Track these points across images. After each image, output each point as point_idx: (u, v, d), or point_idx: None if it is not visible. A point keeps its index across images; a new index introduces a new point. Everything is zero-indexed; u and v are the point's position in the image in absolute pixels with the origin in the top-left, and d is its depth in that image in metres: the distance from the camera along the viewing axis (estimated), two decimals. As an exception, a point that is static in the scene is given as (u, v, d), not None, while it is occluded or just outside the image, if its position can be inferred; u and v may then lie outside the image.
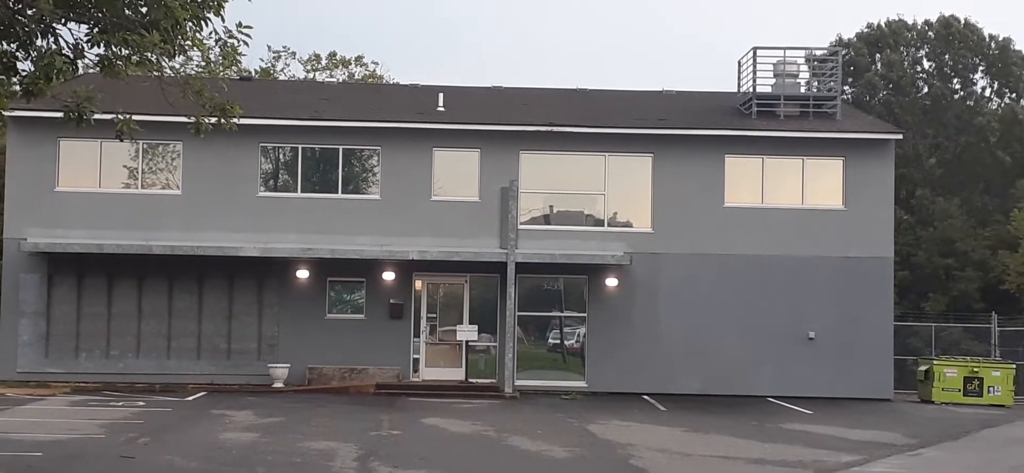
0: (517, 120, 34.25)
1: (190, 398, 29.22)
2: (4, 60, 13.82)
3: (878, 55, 54.17)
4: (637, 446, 21.77)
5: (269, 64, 56.10)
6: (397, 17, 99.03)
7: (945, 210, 48.64)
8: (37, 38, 13.49)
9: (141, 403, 27.61)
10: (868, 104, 50.80)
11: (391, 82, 54.01)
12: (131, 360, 32.89)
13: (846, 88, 50.83)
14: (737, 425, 26.05)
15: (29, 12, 13.26)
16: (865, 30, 55.48)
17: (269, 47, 57.06)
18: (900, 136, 36.30)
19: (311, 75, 55.88)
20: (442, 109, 34.68)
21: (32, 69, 13.44)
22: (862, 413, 29.63)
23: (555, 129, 33.63)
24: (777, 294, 33.66)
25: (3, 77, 14.37)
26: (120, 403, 27.51)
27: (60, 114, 14.53)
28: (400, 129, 33.54)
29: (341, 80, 54.57)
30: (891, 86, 52.94)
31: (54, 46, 13.37)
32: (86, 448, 19.64)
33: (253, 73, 49.92)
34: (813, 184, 34.19)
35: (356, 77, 56.45)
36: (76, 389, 30.86)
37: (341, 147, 33.61)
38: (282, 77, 54.26)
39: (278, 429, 23.08)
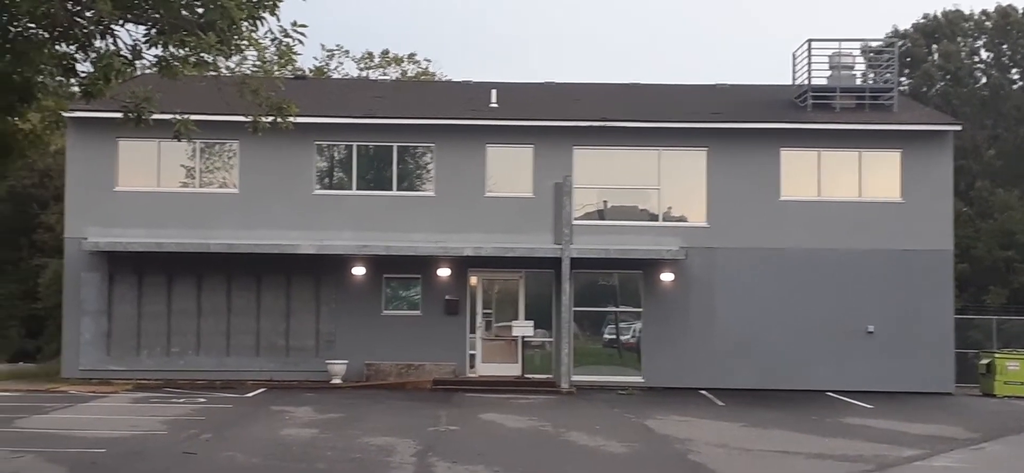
0: (570, 116, 34.21)
1: (250, 395, 29.47)
2: (64, 62, 14.00)
3: (935, 46, 53.51)
4: (695, 441, 21.67)
5: (323, 63, 56.46)
6: (449, 14, 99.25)
7: (1005, 202, 47.92)
8: (96, 39, 13.65)
9: (202, 400, 27.89)
10: (925, 96, 50.20)
11: (443, 79, 54.15)
12: (191, 357, 33.24)
13: (903, 80, 50.26)
14: (796, 420, 25.85)
15: (88, 14, 13.41)
16: (921, 21, 54.80)
17: (322, 46, 57.45)
18: (958, 127, 35.84)
19: (364, 73, 56.16)
20: (495, 105, 34.74)
21: (91, 70, 13.59)
22: (923, 407, 29.31)
23: (608, 124, 33.56)
24: (835, 288, 33.37)
25: (62, 79, 14.57)
26: (181, 400, 27.80)
27: (119, 114, 14.69)
28: (453, 126, 33.61)
29: (394, 78, 54.77)
30: (949, 77, 52.27)
31: (112, 47, 13.51)
32: (148, 445, 19.87)
33: (307, 72, 50.24)
34: (870, 177, 33.85)
35: (409, 74, 56.65)
36: (138, 386, 31.24)
37: (395, 145, 33.75)
38: (335, 76, 54.55)
39: (337, 425, 23.22)
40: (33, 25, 13.39)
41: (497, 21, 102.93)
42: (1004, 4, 53.49)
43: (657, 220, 33.89)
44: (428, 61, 58.96)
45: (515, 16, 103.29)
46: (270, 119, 14.98)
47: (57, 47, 13.70)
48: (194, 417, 24.25)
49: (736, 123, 34.01)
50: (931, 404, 30.30)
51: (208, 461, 18.24)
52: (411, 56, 58.02)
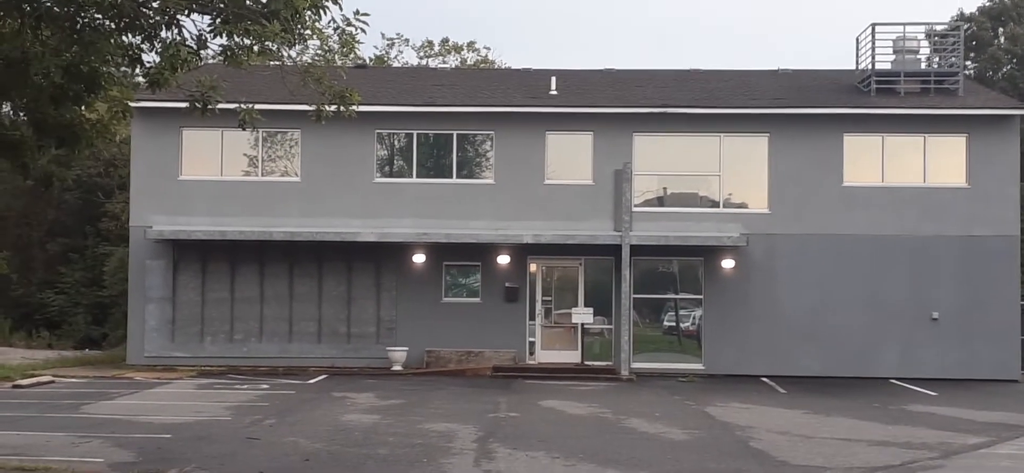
0: (630, 102, 34.11)
1: (312, 381, 29.73)
2: (130, 52, 14.18)
3: (1001, 29, 52.73)
4: (757, 428, 21.57)
5: (383, 51, 56.77)
6: (509, 2, 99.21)
7: (1073, 186, 47.09)
8: (162, 30, 13.80)
9: (265, 386, 28.20)
10: (991, 79, 49.49)
11: (503, 67, 54.19)
12: (254, 344, 33.59)
13: (968, 63, 49.62)
14: (859, 407, 25.63)
15: (154, 4, 13.57)
16: (987, 3, 54.03)
17: (383, 35, 57.87)
18: (1026, 111, 35.27)
19: (424, 62, 56.37)
20: (554, 93, 34.72)
21: (157, 60, 13.75)
22: (988, 394, 28.96)
23: (669, 110, 33.41)
24: (899, 274, 33.03)
25: (128, 69, 14.75)
26: (244, 386, 28.12)
27: (183, 104, 14.86)
28: (513, 113, 33.64)
29: (454, 66, 54.90)
30: (1015, 60, 51.46)
31: (178, 37, 13.67)
32: (213, 430, 20.12)
33: (368, 61, 50.50)
34: (935, 162, 33.45)
35: (468, 62, 56.77)
36: (201, 372, 31.63)
37: (455, 132, 33.84)
38: (396, 64, 54.79)
39: (398, 411, 23.37)
40: (100, 16, 13.57)
41: (556, 8, 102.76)
42: (1072, -15, 52.58)
43: (718, 207, 33.72)
44: (487, 49, 59.18)
45: (574, 3, 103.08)
46: (333, 107, 15.07)
47: (123, 38, 13.87)
48: (257, 403, 24.51)
49: (798, 108, 33.72)
50: (996, 391, 29.93)
51: (272, 446, 18.44)
52: (470, 44, 58.20)
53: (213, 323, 33.69)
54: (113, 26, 13.70)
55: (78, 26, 13.57)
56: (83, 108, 14.79)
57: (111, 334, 42.89)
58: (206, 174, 33.76)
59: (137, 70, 14.52)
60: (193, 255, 33.67)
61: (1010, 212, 33.25)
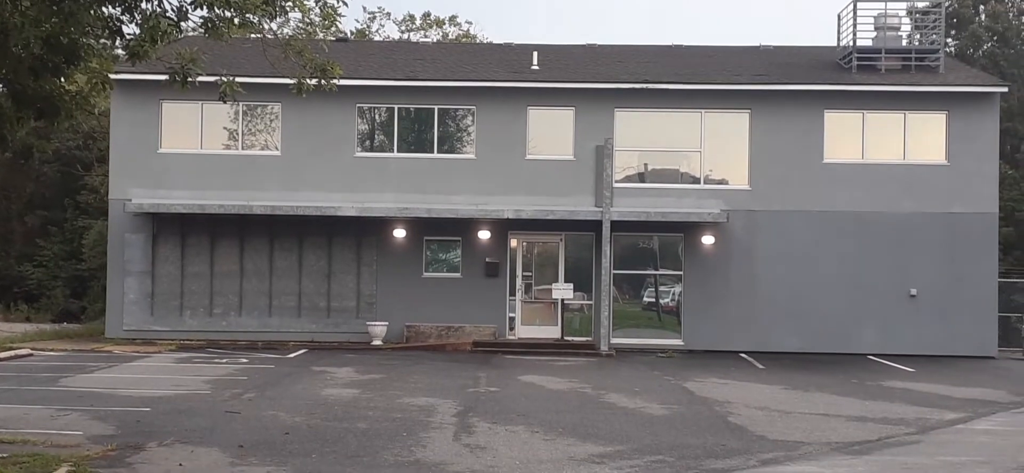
0: (611, 78, 34.10)
1: (291, 355, 29.72)
2: (110, 24, 14.10)
3: (982, 6, 52.83)
4: (735, 404, 21.67)
5: (364, 25, 56.57)
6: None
7: (1052, 165, 47.44)
8: (142, 1, 13.73)
9: (244, 360, 28.16)
10: (972, 57, 49.64)
11: (485, 41, 54.07)
12: (234, 318, 33.54)
13: (949, 41, 49.76)
14: (837, 383, 25.78)
15: (134, -25, 13.51)
16: (968, -19, 54.07)
17: (364, 8, 57.59)
18: (1006, 89, 35.43)
19: (405, 36, 56.21)
20: (536, 68, 34.68)
21: (137, 32, 13.68)
22: (965, 371, 29.15)
23: (650, 86, 33.42)
24: (878, 251, 33.19)
25: (107, 41, 14.67)
26: (224, 360, 28.08)
27: (162, 77, 14.82)
28: (495, 88, 33.58)
29: (435, 40, 54.77)
30: (996, 38, 51.64)
31: (158, 9, 13.60)
32: (192, 403, 20.09)
33: (349, 35, 50.32)
34: (915, 139, 33.57)
35: (450, 37, 56.63)
36: (181, 346, 31.56)
37: (436, 107, 33.77)
38: (377, 38, 54.61)
39: (378, 385, 23.39)
40: (80, -14, 13.48)
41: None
42: (1053, -36, 52.74)
43: (699, 183, 33.77)
44: (469, 23, 59.18)
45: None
46: (314, 81, 15.04)
47: (103, 9, 13.79)
48: (237, 377, 24.49)
49: (779, 85, 33.78)
50: (973, 367, 30.13)
51: (252, 419, 18.43)
52: (452, 18, 58.07)
53: (192, 297, 33.61)
54: (93, -3, 13.62)
55: (57, -3, 13.48)
56: (63, 80, 14.70)
57: (90, 308, 42.76)
58: (186, 147, 33.62)
59: (117, 42, 14.45)
60: (172, 229, 33.56)
61: (989, 189, 33.42)
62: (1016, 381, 27.37)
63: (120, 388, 22.18)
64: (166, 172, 33.28)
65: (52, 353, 29.28)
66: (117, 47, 14.95)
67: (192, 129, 33.61)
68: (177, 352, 30.13)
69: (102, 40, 14.54)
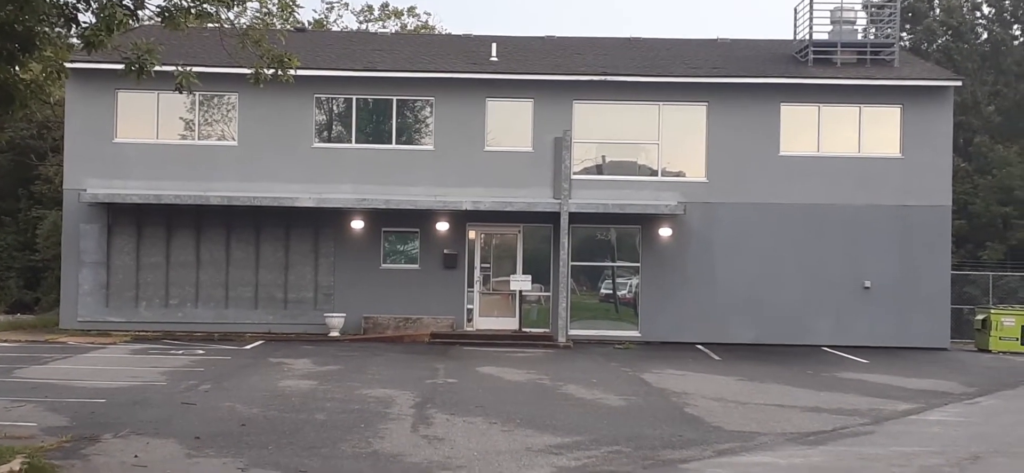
0: (570, 70, 34.17)
1: (248, 347, 29.59)
2: (65, 12, 13.96)
3: (937, 1, 53.30)
4: (692, 395, 21.80)
5: (322, 15, 56.31)
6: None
7: (1004, 158, 47.89)
8: (98, -11, 13.61)
9: (200, 351, 28.02)
10: (926, 51, 50.09)
11: (443, 32, 54.00)
12: (190, 309, 33.34)
13: (904, 35, 50.15)
14: (792, 374, 25.99)
15: (90, -37, 13.39)
16: (924, -25, 54.52)
17: (322, -1, 57.23)
18: (959, 83, 35.80)
19: (364, 26, 56.00)
20: (495, 59, 34.68)
21: (93, 20, 13.56)
22: (919, 362, 29.48)
23: (608, 78, 33.53)
24: (833, 243, 33.48)
25: (63, 29, 14.53)
26: (180, 351, 27.92)
27: (118, 66, 14.68)
28: (453, 80, 33.55)
29: (393, 31, 54.63)
30: (950, 32, 52.10)
31: (115, -3, 13.48)
32: (148, 395, 19.97)
33: (306, 24, 50.10)
34: (870, 132, 33.88)
35: (408, 28, 56.50)
36: (136, 338, 31.35)
37: (395, 98, 33.71)
38: (335, 28, 54.39)
39: (336, 377, 23.34)
40: (34, -27, 13.35)
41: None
42: (1006, -41, 53.24)
43: (656, 175, 33.92)
44: (428, 14, 59.03)
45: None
46: (272, 71, 14.97)
47: (59, -4, 13.67)
48: (193, 368, 24.37)
49: (736, 78, 33.98)
50: (926, 359, 30.47)
51: (208, 411, 18.35)
52: (411, 9, 57.92)
53: (148, 288, 33.38)
54: (48, -16, 13.49)
55: (12, -16, 13.33)
56: (17, 68, 14.54)
57: (44, 299, 42.32)
58: (141, 137, 33.39)
59: (73, 30, 14.31)
60: (128, 219, 33.31)
61: (942, 183, 33.79)
62: (968, 372, 27.71)
63: (75, 379, 22.01)
64: (122, 162, 33.01)
65: (5, 344, 28.97)
66: (72, 36, 14.81)
67: (148, 119, 33.37)
68: (132, 343, 29.92)
69: (57, 28, 14.40)
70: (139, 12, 13.52)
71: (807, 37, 35.27)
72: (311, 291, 33.57)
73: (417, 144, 33.94)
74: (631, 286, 34.33)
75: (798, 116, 33.90)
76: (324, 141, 33.86)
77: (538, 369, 25.73)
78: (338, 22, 56.26)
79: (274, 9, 14.53)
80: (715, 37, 38.99)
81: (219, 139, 33.86)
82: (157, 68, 14.36)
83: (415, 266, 33.75)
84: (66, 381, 21.75)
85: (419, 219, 33.35)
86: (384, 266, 33.75)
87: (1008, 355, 32.91)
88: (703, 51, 36.92)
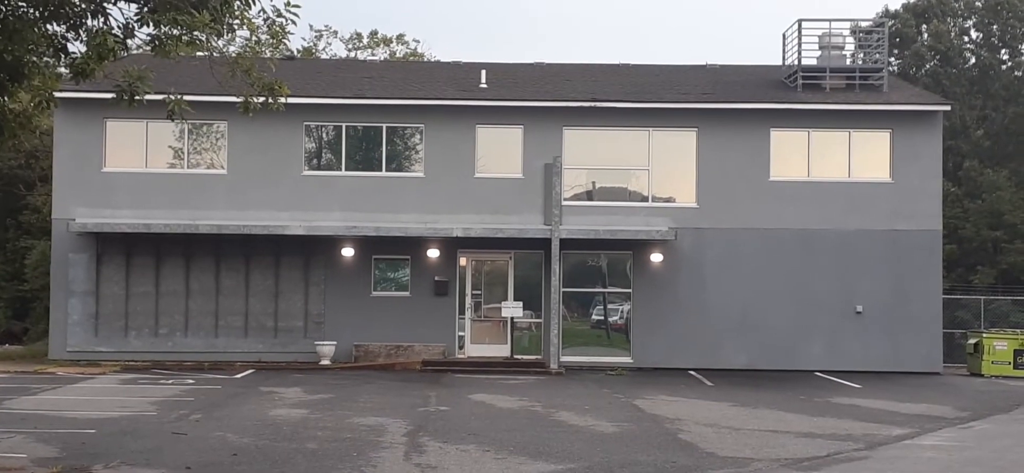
0: (560, 96, 34.19)
1: (239, 375, 29.44)
2: (55, 42, 13.91)
3: (925, 26, 53.51)
4: (685, 420, 21.71)
5: (311, 43, 56.29)
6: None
7: (993, 182, 48.06)
8: (87, 18, 13.56)
9: (190, 381, 27.86)
10: (915, 76, 50.26)
11: (433, 60, 54.03)
12: (180, 338, 33.19)
13: (892, 60, 50.35)
14: (785, 399, 25.93)
15: (79, -8, 13.34)
16: (911, 1, 54.78)
17: (311, 26, 57.24)
18: (948, 107, 35.93)
19: (353, 54, 56.02)
20: (485, 86, 34.70)
21: (83, 50, 13.51)
22: (911, 387, 29.43)
23: (598, 105, 33.55)
24: (824, 268, 33.47)
25: (52, 59, 14.48)
26: (170, 381, 27.77)
27: (107, 95, 14.63)
28: (443, 106, 33.55)
29: (382, 59, 54.65)
30: (938, 57, 52.31)
31: (105, 26, 13.43)
32: (138, 425, 19.83)
33: (296, 52, 50.08)
34: (860, 157, 33.94)
35: (397, 55, 56.54)
36: (126, 367, 31.18)
37: (384, 125, 33.68)
38: (324, 56, 54.40)
39: (327, 405, 23.21)
40: (24, 4, 13.30)
41: (487, 2, 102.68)
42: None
43: (647, 201, 33.92)
44: (417, 42, 58.93)
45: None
46: (262, 99, 14.92)
47: (48, 26, 13.61)
48: (183, 398, 24.21)
49: (726, 104, 34.02)
50: (919, 383, 30.43)
51: (199, 441, 18.21)
52: (400, 37, 57.94)
53: (137, 317, 33.23)
54: (37, 14, 13.43)
55: (1, 14, 13.28)
56: (6, 98, 14.47)
57: (33, 329, 42.10)
58: (130, 166, 33.29)
59: (62, 60, 14.26)
60: (117, 248, 33.17)
61: (932, 207, 33.83)
62: (961, 397, 27.67)
63: (65, 410, 21.85)
64: (110, 191, 32.90)
65: (-6, 375, 28.79)
66: (61, 65, 14.75)
67: (137, 148, 33.28)
68: (122, 373, 29.76)
69: (46, 58, 14.35)
70: (129, 40, 13.47)
71: (796, 62, 35.34)
72: (301, 319, 33.45)
73: (407, 171, 33.90)
74: (623, 312, 34.27)
75: (788, 141, 33.95)
76: (314, 169, 33.80)
77: (530, 396, 25.63)
78: (327, 50, 56.29)
79: (265, 37, 14.45)
80: (704, 63, 39.09)
81: (208, 167, 33.77)
82: (148, 96, 14.29)
83: (406, 293, 33.65)
84: (56, 412, 21.59)
85: (410, 246, 33.28)
86: (375, 293, 33.64)
87: (1001, 379, 32.88)
88: (692, 77, 36.98)
